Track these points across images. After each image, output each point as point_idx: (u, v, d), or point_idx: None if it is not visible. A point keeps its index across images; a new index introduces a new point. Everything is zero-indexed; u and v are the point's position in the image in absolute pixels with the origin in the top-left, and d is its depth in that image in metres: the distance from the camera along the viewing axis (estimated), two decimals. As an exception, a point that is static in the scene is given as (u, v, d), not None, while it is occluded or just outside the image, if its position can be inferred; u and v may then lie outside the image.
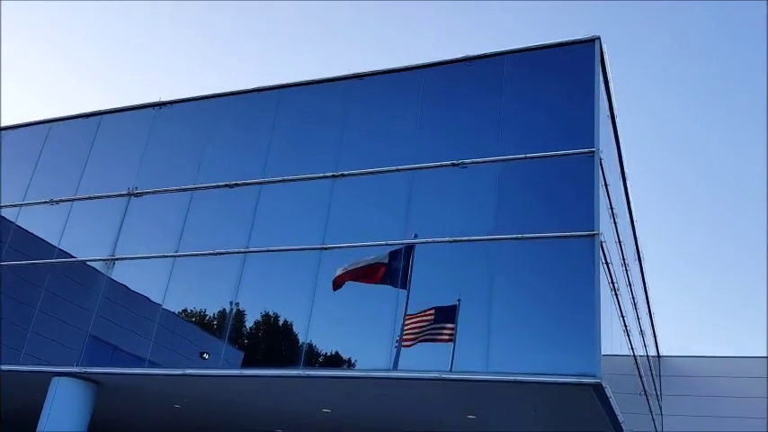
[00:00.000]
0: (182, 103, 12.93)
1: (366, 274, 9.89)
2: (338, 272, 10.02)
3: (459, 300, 9.22)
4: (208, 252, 11.12)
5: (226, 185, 11.61)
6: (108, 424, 14.39)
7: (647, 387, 14.71)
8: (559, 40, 10.30)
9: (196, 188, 11.84)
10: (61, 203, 12.83)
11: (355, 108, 11.45)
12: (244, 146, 12.07)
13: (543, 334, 8.83)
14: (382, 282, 9.77)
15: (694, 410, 17.44)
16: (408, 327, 9.25)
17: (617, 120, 11.42)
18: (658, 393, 17.86)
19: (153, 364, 10.68)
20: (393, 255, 9.79)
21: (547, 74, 10.50)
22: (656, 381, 17.87)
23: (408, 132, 10.78)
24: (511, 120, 10.20)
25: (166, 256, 11.40)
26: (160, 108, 13.03)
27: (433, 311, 9.17)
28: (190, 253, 11.28)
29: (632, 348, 12.75)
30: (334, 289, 9.93)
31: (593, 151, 9.35)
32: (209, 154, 12.19)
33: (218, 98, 12.59)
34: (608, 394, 8.29)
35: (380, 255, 9.88)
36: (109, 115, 13.54)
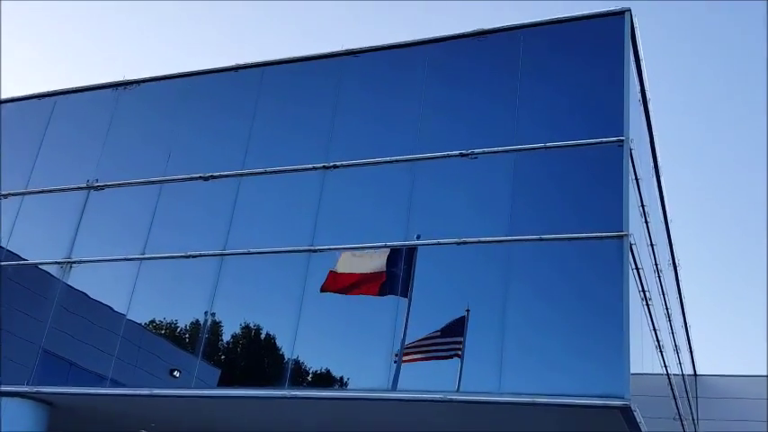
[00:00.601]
0: (149, 83, 12.90)
1: (363, 284, 9.95)
2: (341, 264, 10.05)
3: (467, 310, 9.27)
4: (179, 254, 11.14)
5: (200, 177, 11.63)
6: (62, 452, 14.39)
7: (681, 410, 14.81)
8: (584, 12, 10.35)
9: (166, 180, 11.85)
10: (10, 197, 12.82)
11: (349, 89, 11.48)
12: (221, 132, 12.09)
13: (564, 349, 8.90)
14: (380, 293, 9.84)
15: (735, 437, 17.53)
16: (411, 344, 9.31)
17: (650, 105, 11.47)
18: (695, 417, 17.97)
19: (115, 384, 10.69)
20: (393, 258, 9.86)
21: (569, 51, 10.55)
22: (693, 403, 17.98)
23: (410, 118, 10.82)
24: (528, 104, 10.25)
25: (131, 259, 11.40)
26: (124, 88, 13.00)
27: (438, 333, 9.26)
28: (158, 255, 11.30)
29: (665, 366, 12.84)
30: (328, 287, 9.99)
31: (622, 140, 9.39)
32: (180, 141, 12.19)
33: (192, 77, 12.59)
34: (638, 419, 8.34)
35: (379, 252, 9.89)
36: (64, 96, 13.51)
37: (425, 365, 9.30)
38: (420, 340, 9.31)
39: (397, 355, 9.24)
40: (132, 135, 12.71)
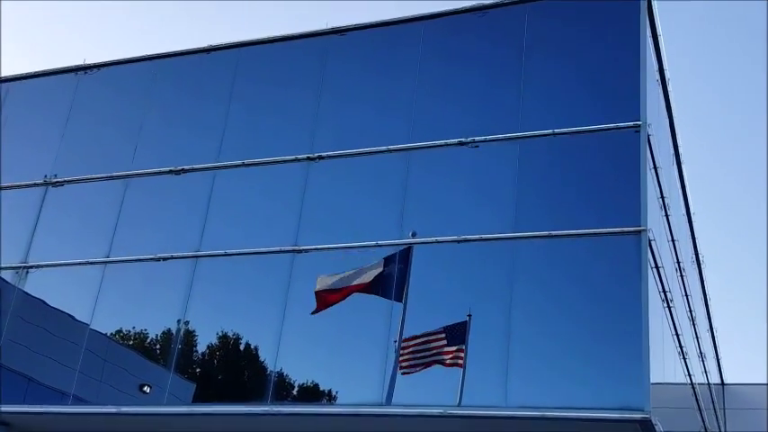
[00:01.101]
0: (112, 67, 12.91)
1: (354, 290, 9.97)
2: (321, 285, 10.04)
3: (469, 315, 9.26)
4: (148, 257, 11.14)
5: (170, 171, 11.62)
6: (22, 478, 14.33)
7: (707, 423, 14.84)
8: (596, -18, 10.35)
9: (132, 175, 11.84)
10: (-42, 196, 12.82)
11: (336, 72, 11.45)
12: (193, 121, 12.08)
13: (577, 357, 8.89)
14: (371, 291, 9.83)
15: (767, 452, 17.57)
16: (406, 350, 9.32)
17: (669, 85, 11.46)
18: (723, 431, 18.01)
19: (78, 401, 10.67)
20: (387, 259, 9.84)
21: (579, 27, 10.56)
22: (720, 415, 18.03)
23: (404, 103, 10.82)
24: (534, 86, 10.24)
25: (95, 263, 11.38)
26: (84, 72, 12.99)
27: (442, 332, 9.26)
28: (125, 258, 11.30)
29: (689, 375, 12.87)
30: (318, 309, 9.99)
31: (639, 125, 9.40)
32: (148, 131, 12.18)
33: (160, 60, 12.59)
34: (659, 433, 8.35)
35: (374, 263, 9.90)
36: (17, 82, 13.46)
37: (423, 378, 9.29)
38: (419, 337, 9.28)
39: (396, 342, 9.26)
40: (94, 125, 12.68)
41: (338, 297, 9.97)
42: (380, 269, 9.85)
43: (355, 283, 9.90)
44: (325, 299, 10.01)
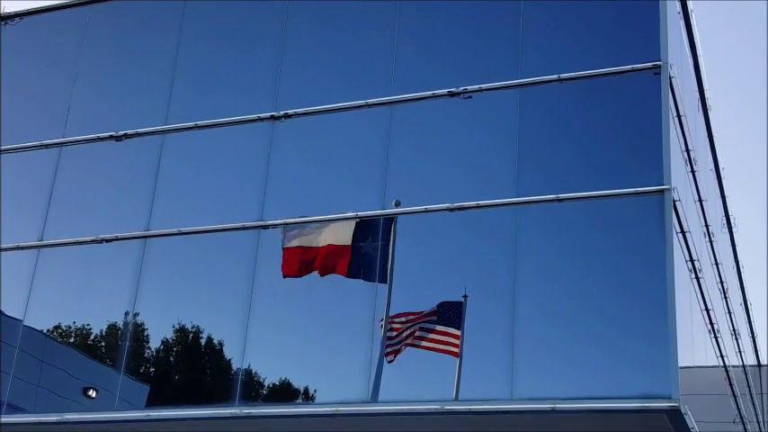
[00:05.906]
0: (38, 15, 12.80)
1: (328, 259, 9.95)
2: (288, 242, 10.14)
3: (465, 295, 9.26)
4: (88, 238, 11.08)
5: (110, 137, 11.54)
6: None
7: (743, 410, 14.97)
8: None
9: (65, 143, 11.77)
10: None
11: (303, 13, 11.31)
12: (135, 77, 12.00)
13: (591, 340, 8.90)
14: (349, 274, 9.82)
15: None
16: (393, 335, 9.33)
17: (693, 19, 11.43)
18: (761, 418, 18.22)
19: (14, 409, 10.64)
20: (364, 231, 9.83)
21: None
22: (757, 400, 18.22)
23: (385, 47, 10.72)
24: (535, 23, 10.16)
25: (26, 248, 11.33)
26: (5, 23, 12.90)
27: (432, 311, 9.30)
28: (60, 241, 11.24)
29: (722, 356, 12.98)
30: (285, 274, 10.00)
31: (659, 66, 9.34)
32: (82, 91, 12.10)
33: (94, 5, 12.46)
34: (689, 423, 8.32)
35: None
36: None
37: (414, 369, 9.33)
38: (403, 315, 9.33)
39: (382, 321, 9.34)
40: (18, 85, 12.59)
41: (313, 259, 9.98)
42: (353, 226, 9.88)
43: (335, 243, 9.92)
44: (297, 260, 10.02)
